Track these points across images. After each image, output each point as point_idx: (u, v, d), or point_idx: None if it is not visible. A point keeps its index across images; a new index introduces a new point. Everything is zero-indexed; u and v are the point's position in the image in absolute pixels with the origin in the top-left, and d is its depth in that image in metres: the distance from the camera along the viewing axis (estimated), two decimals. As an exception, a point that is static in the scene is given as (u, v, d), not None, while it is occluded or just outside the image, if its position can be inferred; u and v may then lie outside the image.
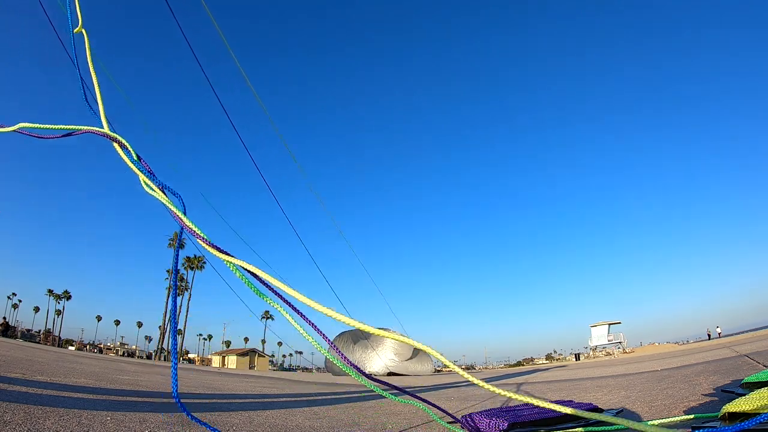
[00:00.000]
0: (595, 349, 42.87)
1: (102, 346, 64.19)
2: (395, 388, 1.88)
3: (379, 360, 28.56)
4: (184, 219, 1.75)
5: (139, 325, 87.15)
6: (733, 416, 2.12)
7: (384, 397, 1.53)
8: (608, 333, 41.51)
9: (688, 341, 44.13)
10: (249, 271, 1.63)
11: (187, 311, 56.49)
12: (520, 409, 3.07)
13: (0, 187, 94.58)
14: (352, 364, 1.84)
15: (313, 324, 1.69)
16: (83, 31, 2.30)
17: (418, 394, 2.76)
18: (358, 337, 30.68)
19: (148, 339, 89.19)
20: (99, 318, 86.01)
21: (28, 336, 52.92)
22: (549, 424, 2.66)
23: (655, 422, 2.75)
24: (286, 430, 3.22)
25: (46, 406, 3.04)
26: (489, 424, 2.56)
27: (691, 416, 2.68)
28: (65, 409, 3.03)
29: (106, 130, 2.23)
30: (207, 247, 1.70)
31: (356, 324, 1.48)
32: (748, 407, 2.04)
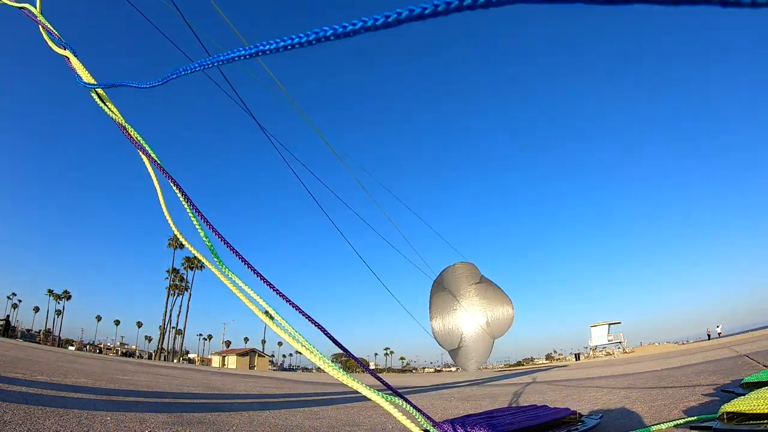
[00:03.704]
0: (595, 349, 42.87)
1: (102, 346, 64.19)
2: (389, 387, 1.84)
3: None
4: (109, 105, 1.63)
5: (139, 325, 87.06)
6: (732, 416, 2.12)
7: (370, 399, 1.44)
8: (608, 333, 41.48)
9: (688, 341, 44.08)
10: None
11: (187, 311, 56.51)
12: (496, 416, 2.91)
13: (0, 187, 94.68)
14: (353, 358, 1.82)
15: (318, 324, 1.64)
16: None
17: (417, 394, 2.72)
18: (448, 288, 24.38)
19: (148, 339, 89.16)
20: (99, 318, 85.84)
21: (28, 336, 52.89)
22: None
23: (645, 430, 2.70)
24: (286, 430, 3.22)
25: (46, 406, 3.04)
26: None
27: (694, 417, 2.67)
28: (65, 409, 3.04)
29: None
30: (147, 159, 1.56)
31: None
32: (745, 407, 2.04)
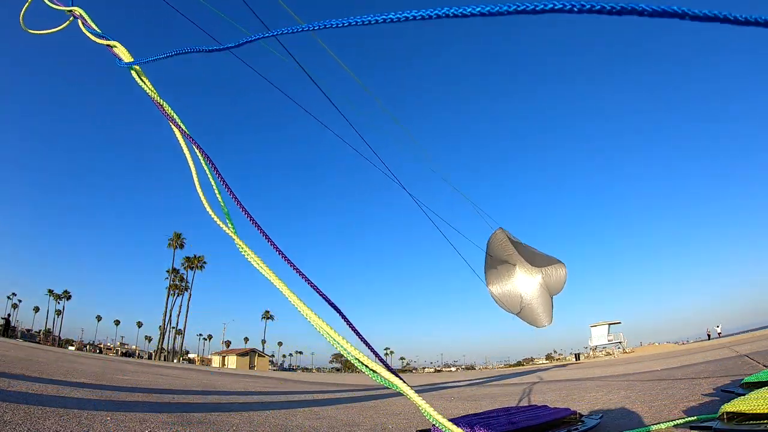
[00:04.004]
0: (595, 349, 42.81)
1: (102, 346, 64.18)
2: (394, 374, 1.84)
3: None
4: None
5: (139, 325, 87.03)
6: (732, 416, 2.12)
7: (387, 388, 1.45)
8: (608, 333, 41.44)
9: (688, 341, 44.06)
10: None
11: (187, 311, 56.46)
12: (495, 416, 2.79)
13: (0, 187, 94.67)
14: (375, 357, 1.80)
15: (338, 309, 1.68)
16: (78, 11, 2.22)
17: (417, 395, 2.67)
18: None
19: (148, 339, 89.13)
20: (99, 318, 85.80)
21: (28, 336, 52.87)
22: None
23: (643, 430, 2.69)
24: (286, 430, 3.22)
25: (46, 406, 3.04)
26: None
27: (694, 417, 2.67)
28: (65, 409, 3.04)
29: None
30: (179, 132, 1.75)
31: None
32: (746, 407, 2.04)
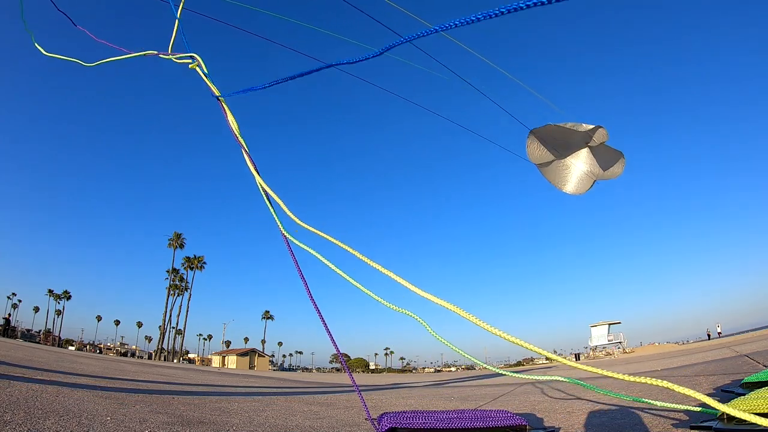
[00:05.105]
0: (595, 349, 42.82)
1: (102, 346, 64.16)
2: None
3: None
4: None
5: (139, 325, 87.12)
6: (732, 416, 2.12)
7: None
8: (608, 333, 41.49)
9: (688, 341, 44.07)
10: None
11: (187, 311, 56.45)
12: (433, 414, 2.68)
13: (0, 187, 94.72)
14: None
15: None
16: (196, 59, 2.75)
17: (416, 395, 2.66)
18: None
19: (148, 339, 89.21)
20: (99, 318, 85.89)
21: (28, 336, 52.88)
22: None
23: None
24: (286, 430, 3.22)
25: (47, 406, 3.04)
26: (382, 425, 2.37)
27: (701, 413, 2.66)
28: (65, 408, 3.04)
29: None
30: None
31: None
32: (746, 407, 2.04)
